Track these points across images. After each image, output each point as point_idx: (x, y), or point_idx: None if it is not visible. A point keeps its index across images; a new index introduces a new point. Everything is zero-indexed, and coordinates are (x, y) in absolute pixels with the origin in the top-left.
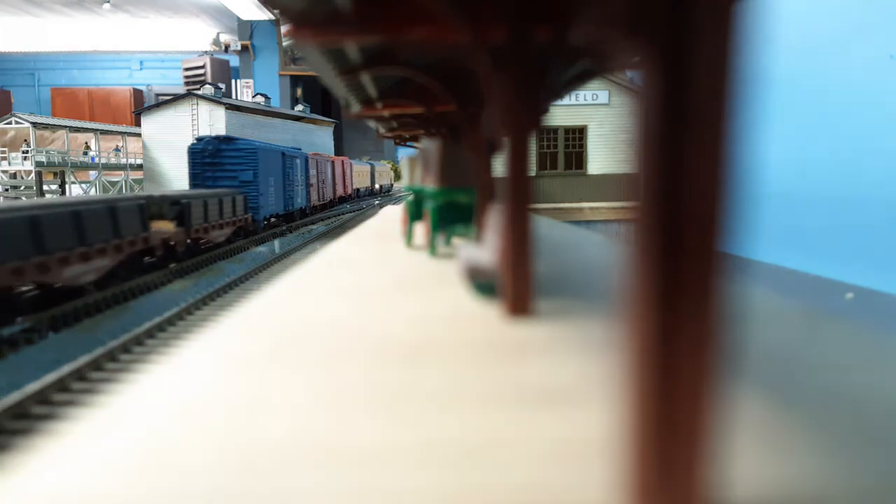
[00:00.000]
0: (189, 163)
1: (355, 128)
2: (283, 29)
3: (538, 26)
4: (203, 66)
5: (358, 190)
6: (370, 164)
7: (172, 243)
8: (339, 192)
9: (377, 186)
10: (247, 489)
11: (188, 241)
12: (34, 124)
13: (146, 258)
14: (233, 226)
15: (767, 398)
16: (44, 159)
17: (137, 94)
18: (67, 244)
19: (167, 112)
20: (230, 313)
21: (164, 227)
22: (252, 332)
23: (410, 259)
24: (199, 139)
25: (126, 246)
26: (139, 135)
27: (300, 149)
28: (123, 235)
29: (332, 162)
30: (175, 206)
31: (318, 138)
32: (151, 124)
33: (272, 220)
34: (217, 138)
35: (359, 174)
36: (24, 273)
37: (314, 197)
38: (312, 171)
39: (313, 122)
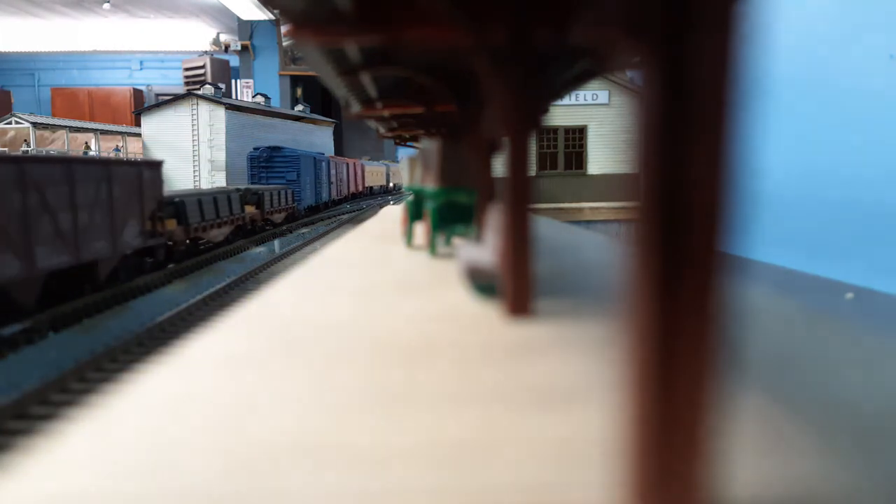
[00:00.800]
0: (248, 166)
1: (355, 128)
2: (284, 29)
3: (538, 26)
4: (203, 66)
5: (371, 188)
6: (385, 164)
7: (254, 221)
8: (352, 189)
9: (391, 185)
10: (248, 488)
11: (263, 220)
12: (34, 124)
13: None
14: (286, 211)
15: (767, 398)
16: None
17: (137, 94)
18: (212, 217)
19: (167, 112)
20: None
21: (250, 209)
22: (251, 332)
23: (410, 259)
24: (256, 149)
25: (234, 221)
26: (139, 135)
27: (323, 153)
28: (234, 214)
29: (347, 164)
30: (255, 196)
31: (318, 138)
32: (151, 124)
33: (303, 211)
34: (269, 148)
35: (374, 174)
36: (197, 230)
37: (334, 192)
38: (333, 172)
39: (313, 122)
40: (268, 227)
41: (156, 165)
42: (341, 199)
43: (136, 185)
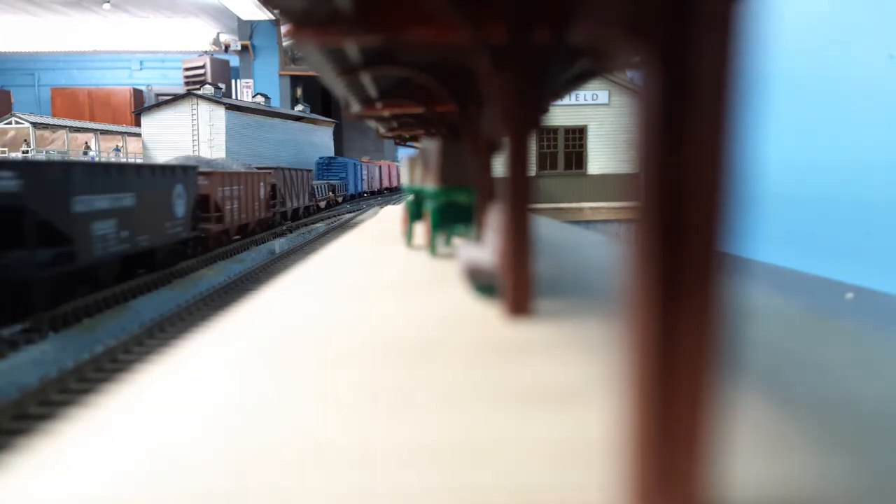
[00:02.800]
0: (315, 168)
1: (355, 128)
2: (284, 29)
3: (538, 26)
4: (203, 66)
5: None
6: None
7: (331, 199)
8: (385, 184)
9: None
10: (250, 488)
11: (335, 200)
12: (34, 124)
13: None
14: (343, 196)
15: (766, 398)
16: (44, 159)
17: (137, 94)
18: (320, 195)
19: (167, 112)
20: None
21: (331, 195)
22: (253, 332)
23: (410, 259)
24: (321, 158)
25: (326, 199)
26: (139, 135)
27: (353, 158)
28: (326, 195)
29: (380, 166)
30: (332, 186)
31: (318, 138)
32: (151, 124)
33: (349, 196)
34: (329, 157)
35: None
36: (316, 202)
37: (366, 186)
38: (365, 172)
39: (313, 122)
40: (334, 206)
41: (310, 170)
42: (371, 191)
43: (306, 178)
